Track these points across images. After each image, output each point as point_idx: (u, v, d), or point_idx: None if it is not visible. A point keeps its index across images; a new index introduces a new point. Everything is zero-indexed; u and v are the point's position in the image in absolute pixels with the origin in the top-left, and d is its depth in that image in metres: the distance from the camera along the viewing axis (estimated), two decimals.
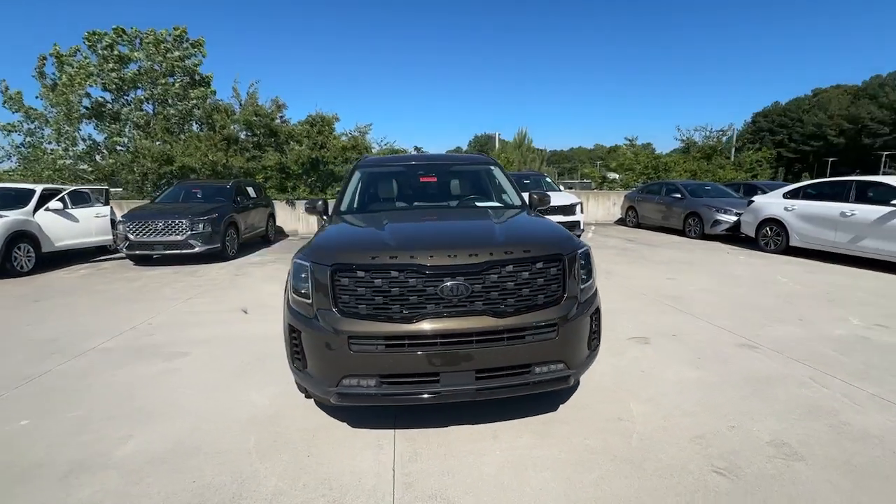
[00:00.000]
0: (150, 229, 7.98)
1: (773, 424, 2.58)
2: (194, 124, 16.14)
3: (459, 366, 2.25)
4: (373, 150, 16.30)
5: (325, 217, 3.72)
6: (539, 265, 2.39)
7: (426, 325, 2.22)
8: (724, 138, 20.01)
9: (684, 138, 20.21)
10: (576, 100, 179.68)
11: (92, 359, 3.74)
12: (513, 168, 18.46)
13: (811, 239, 7.64)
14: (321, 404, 2.82)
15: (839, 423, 2.58)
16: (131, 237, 7.97)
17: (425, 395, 2.27)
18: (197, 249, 8.11)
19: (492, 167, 4.22)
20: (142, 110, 15.71)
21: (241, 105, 14.96)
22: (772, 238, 8.40)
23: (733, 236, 10.05)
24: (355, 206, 3.80)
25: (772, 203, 8.43)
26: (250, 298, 5.72)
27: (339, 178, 14.58)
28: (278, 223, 12.57)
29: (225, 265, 8.19)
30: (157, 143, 14.18)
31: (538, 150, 24.53)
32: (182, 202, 9.37)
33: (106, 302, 5.61)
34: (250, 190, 10.73)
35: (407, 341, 2.22)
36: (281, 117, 15.12)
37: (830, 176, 21.78)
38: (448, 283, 2.25)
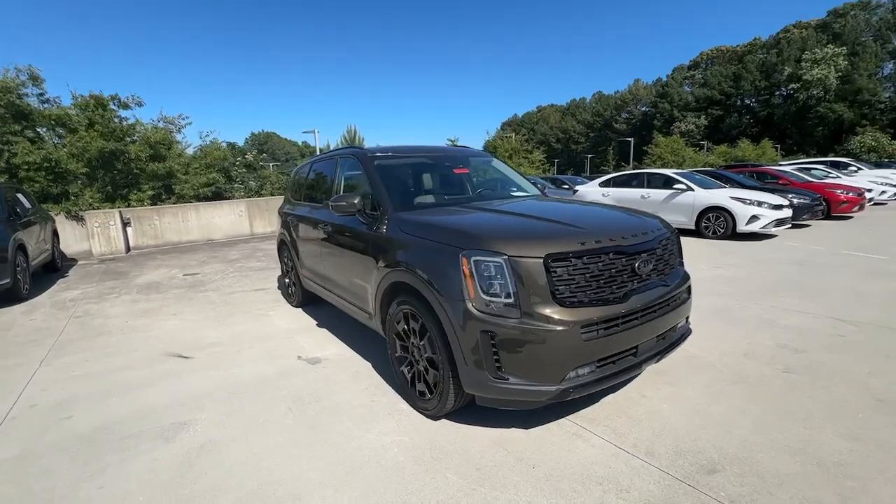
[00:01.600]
0: None
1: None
2: None
3: (650, 334, 2.44)
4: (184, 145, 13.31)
5: (367, 217, 3.15)
6: (675, 238, 2.80)
7: (635, 301, 2.33)
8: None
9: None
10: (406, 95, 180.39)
11: None
12: None
13: None
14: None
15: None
16: None
17: (632, 368, 2.38)
18: None
19: (494, 159, 4.35)
20: None
21: None
22: None
23: None
24: (410, 200, 3.41)
25: (593, 191, 10.99)
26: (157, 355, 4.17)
27: (152, 178, 11.33)
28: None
29: (30, 308, 5.53)
30: None
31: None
32: None
33: None
34: (22, 198, 7.37)
35: (621, 320, 2.28)
36: (42, 97, 10.67)
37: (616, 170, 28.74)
38: (641, 261, 2.41)
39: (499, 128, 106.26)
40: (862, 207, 11.43)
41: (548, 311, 2.14)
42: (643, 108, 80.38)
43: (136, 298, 5.82)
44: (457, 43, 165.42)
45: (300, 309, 5.00)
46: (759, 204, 8.20)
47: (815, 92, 52.32)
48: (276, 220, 5.61)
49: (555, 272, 2.18)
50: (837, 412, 2.52)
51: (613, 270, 2.32)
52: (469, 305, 2.19)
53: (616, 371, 2.33)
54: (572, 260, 2.22)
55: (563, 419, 2.55)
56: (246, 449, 2.39)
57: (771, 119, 58.72)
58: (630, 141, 44.64)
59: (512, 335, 2.13)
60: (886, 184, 14.07)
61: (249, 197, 13.04)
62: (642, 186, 9.98)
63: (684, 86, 74.28)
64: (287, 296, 5.25)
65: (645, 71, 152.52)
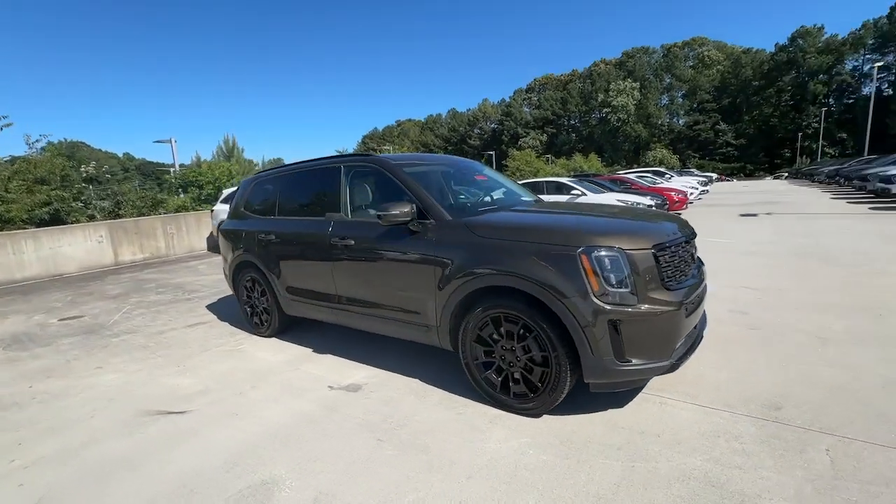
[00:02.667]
0: None
1: None
2: None
3: (693, 311, 2.87)
4: None
5: (418, 225, 3.00)
6: None
7: (692, 284, 2.73)
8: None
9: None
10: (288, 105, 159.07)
11: None
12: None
13: None
14: None
15: None
16: None
17: (696, 341, 2.78)
18: None
19: (486, 168, 4.50)
20: None
21: None
22: None
23: None
24: (462, 206, 3.44)
25: None
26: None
27: None
28: None
29: None
30: None
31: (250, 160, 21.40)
32: None
33: None
34: None
35: (685, 299, 2.65)
36: None
37: None
38: (693, 250, 2.87)
39: (360, 141, 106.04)
40: (686, 206, 14.75)
41: (660, 295, 2.41)
42: (492, 125, 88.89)
43: (13, 357, 4.34)
44: (319, 53, 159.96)
45: (274, 339, 4.39)
46: (638, 204, 10.01)
47: (621, 115, 64.78)
48: (212, 242, 4.84)
49: (660, 260, 2.47)
50: (805, 353, 3.36)
51: (686, 258, 2.73)
52: (594, 299, 2.33)
53: (691, 344, 2.72)
54: (669, 249, 2.54)
55: (642, 394, 2.86)
56: (373, 491, 2.10)
57: (592, 136, 70.62)
58: (493, 154, 48.97)
59: (635, 320, 2.34)
60: (692, 187, 18.37)
61: (108, 218, 10.62)
62: (541, 193, 11.21)
63: (524, 106, 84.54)
64: (256, 325, 4.54)
65: (492, 91, 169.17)
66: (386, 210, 2.98)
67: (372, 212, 3.93)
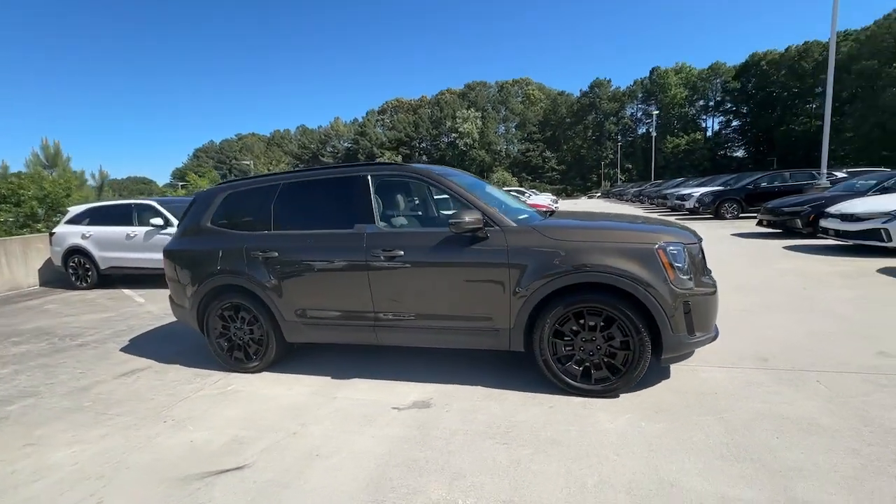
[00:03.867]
0: None
1: None
2: None
3: None
4: None
5: (490, 229, 3.09)
6: None
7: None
8: None
9: None
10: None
11: None
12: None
13: None
14: None
15: None
16: None
17: None
18: None
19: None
20: None
21: None
22: None
23: None
24: (513, 212, 3.56)
25: None
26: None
27: None
28: None
29: None
30: None
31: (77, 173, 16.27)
32: None
33: None
34: None
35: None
36: None
37: None
38: None
39: (191, 154, 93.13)
40: None
41: (707, 280, 3.02)
42: (346, 144, 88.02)
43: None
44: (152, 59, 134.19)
45: (265, 373, 3.79)
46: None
47: (468, 141, 71.18)
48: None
49: (701, 253, 3.09)
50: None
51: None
52: (671, 285, 2.81)
53: None
54: (700, 244, 3.18)
55: (669, 367, 3.44)
56: (556, 486, 2.14)
57: (444, 158, 75.71)
58: None
59: (698, 301, 2.88)
60: (552, 201, 21.48)
61: None
62: None
63: (378, 127, 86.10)
64: (238, 360, 3.82)
65: (342, 110, 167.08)
66: (459, 218, 2.99)
67: (401, 220, 3.84)
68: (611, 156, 72.37)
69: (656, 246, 2.85)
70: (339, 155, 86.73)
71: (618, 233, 3.05)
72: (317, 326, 3.58)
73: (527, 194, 23.81)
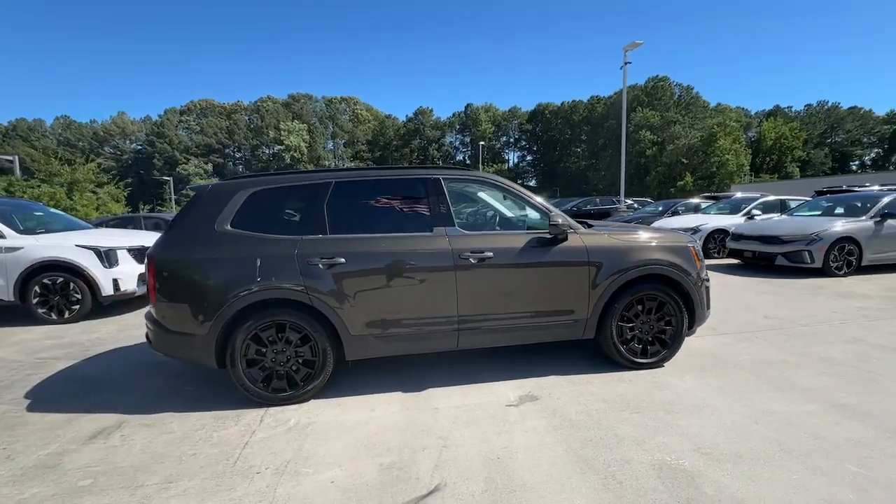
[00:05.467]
0: None
1: None
2: None
3: None
4: None
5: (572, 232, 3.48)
6: None
7: None
8: None
9: None
10: None
11: None
12: None
13: None
14: None
15: None
16: None
17: None
18: None
19: None
20: None
21: None
22: None
23: None
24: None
25: None
26: None
27: None
28: None
29: None
30: None
31: None
32: None
33: None
34: None
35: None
36: None
37: None
38: None
39: None
40: None
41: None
42: (137, 145, 72.73)
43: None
44: None
45: (313, 401, 3.26)
46: None
47: (295, 154, 67.39)
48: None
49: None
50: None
51: None
52: (699, 273, 3.72)
53: None
54: None
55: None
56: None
57: (267, 170, 69.55)
58: (169, 181, 39.98)
59: (707, 285, 3.87)
60: None
61: None
62: None
63: (180, 129, 73.88)
64: (285, 388, 3.14)
65: (133, 106, 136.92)
66: (556, 223, 3.33)
67: (474, 222, 3.85)
68: None
69: (688, 244, 3.74)
70: (126, 157, 70.84)
71: (663, 235, 3.84)
72: (390, 338, 3.30)
73: None
